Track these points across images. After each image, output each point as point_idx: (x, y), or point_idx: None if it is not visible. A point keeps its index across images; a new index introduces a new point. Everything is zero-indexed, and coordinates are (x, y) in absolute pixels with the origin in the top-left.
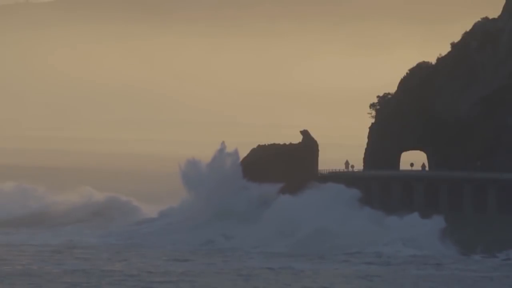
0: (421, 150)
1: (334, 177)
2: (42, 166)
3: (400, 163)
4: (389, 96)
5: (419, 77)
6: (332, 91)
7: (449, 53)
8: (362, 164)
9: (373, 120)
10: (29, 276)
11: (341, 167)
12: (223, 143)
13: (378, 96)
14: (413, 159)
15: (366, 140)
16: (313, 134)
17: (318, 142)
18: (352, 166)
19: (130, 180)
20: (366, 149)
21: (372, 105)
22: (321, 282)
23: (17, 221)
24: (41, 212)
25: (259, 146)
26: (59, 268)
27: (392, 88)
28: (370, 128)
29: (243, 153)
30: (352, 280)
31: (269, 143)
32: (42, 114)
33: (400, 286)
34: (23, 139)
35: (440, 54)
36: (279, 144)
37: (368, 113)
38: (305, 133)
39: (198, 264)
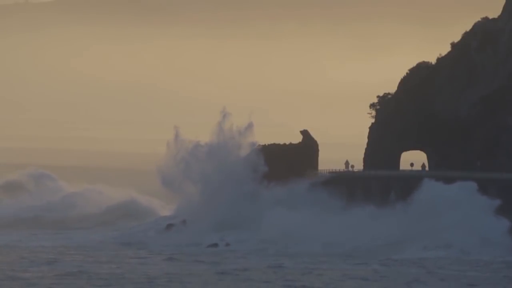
0: (421, 150)
1: (334, 177)
2: (60, 165)
3: (400, 163)
4: (389, 96)
5: (419, 77)
6: (332, 91)
7: (449, 53)
8: (362, 164)
9: (373, 120)
10: (12, 279)
11: (341, 167)
12: (223, 111)
13: (378, 96)
14: (413, 159)
15: (366, 140)
16: (313, 134)
17: (318, 142)
18: (352, 166)
19: (149, 180)
20: (366, 149)
21: (372, 105)
22: (320, 282)
23: (21, 221)
24: (51, 211)
25: (259, 146)
26: (46, 271)
27: (392, 88)
28: (370, 128)
29: None
30: (345, 279)
31: (269, 143)
32: (41, 114)
33: (394, 286)
34: (23, 139)
35: (440, 54)
36: (279, 144)
37: (368, 113)
38: (305, 133)
39: (193, 264)
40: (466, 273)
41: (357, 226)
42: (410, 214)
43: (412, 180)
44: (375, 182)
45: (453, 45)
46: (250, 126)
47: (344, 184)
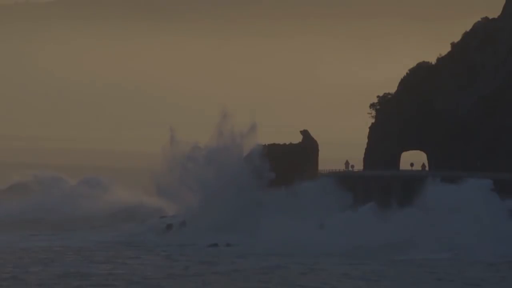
0: (421, 150)
1: (334, 177)
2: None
3: (400, 163)
4: (389, 96)
5: (419, 77)
6: (332, 91)
7: (449, 53)
8: (362, 164)
9: (373, 120)
10: (9, 280)
11: (341, 167)
12: (223, 111)
13: (378, 96)
14: (413, 159)
15: (366, 140)
16: (313, 134)
17: (318, 142)
18: (352, 166)
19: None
20: (366, 149)
21: (372, 105)
22: (320, 282)
23: (23, 222)
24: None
25: (259, 146)
26: (43, 271)
27: (392, 88)
28: (370, 128)
29: None
30: (344, 278)
31: (269, 143)
32: (41, 114)
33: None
34: (23, 139)
35: (440, 54)
36: (279, 144)
37: (368, 113)
38: (305, 133)
39: (192, 264)
40: (465, 274)
41: (359, 227)
42: (416, 215)
43: (415, 180)
44: (375, 182)
45: (453, 45)
46: (253, 127)
47: (345, 184)
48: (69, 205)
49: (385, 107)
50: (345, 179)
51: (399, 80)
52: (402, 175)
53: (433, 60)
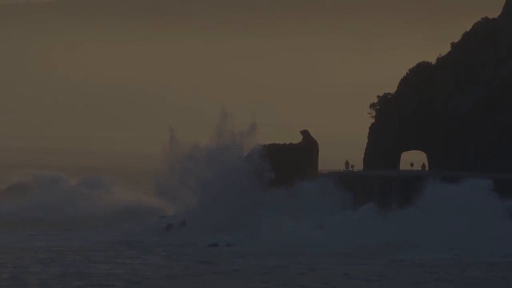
0: (421, 150)
1: (334, 177)
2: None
3: (400, 163)
4: (389, 96)
5: (419, 77)
6: (332, 91)
7: (449, 53)
8: (362, 164)
9: (373, 120)
10: (9, 280)
11: (341, 167)
12: (223, 111)
13: (378, 96)
14: (413, 159)
15: (366, 140)
16: (313, 134)
17: (318, 142)
18: (352, 166)
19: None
20: (366, 149)
21: (372, 105)
22: (320, 282)
23: (24, 222)
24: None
25: (259, 146)
26: (44, 271)
27: (392, 88)
28: (370, 128)
29: None
30: (344, 279)
31: (269, 143)
32: (41, 114)
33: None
34: (23, 139)
35: (440, 54)
36: (279, 144)
37: (368, 113)
38: (305, 133)
39: (192, 264)
40: (465, 274)
41: (359, 227)
42: (416, 215)
43: (415, 180)
44: (375, 182)
45: (453, 45)
46: (253, 127)
47: (345, 184)
48: (69, 205)
49: (385, 107)
50: (345, 179)
51: (399, 80)
52: (402, 175)
53: (433, 60)
